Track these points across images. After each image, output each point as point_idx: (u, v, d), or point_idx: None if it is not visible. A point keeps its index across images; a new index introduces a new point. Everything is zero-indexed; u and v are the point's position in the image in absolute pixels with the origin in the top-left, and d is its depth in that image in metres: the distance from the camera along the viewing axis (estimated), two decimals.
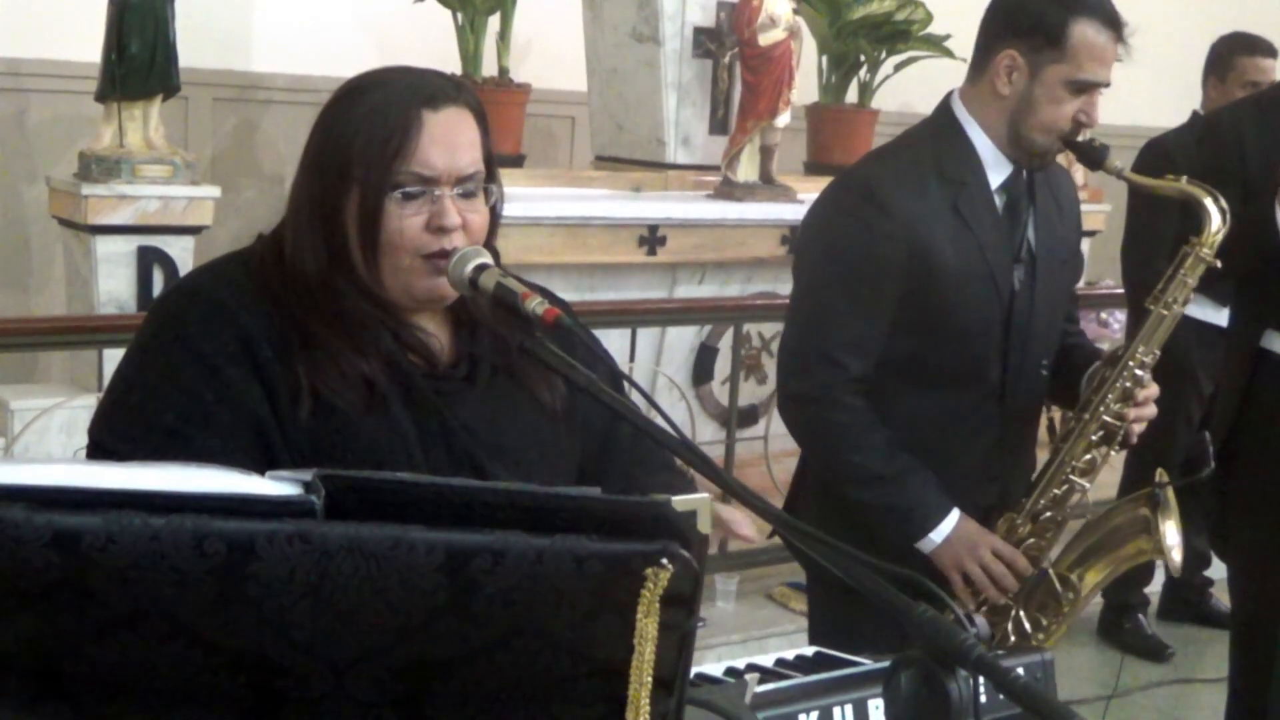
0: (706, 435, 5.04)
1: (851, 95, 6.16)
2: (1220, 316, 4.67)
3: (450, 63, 5.15)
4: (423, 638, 1.07)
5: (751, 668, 1.71)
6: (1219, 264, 2.55)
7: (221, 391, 1.66)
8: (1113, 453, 2.55)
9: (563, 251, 4.81)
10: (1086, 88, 2.44)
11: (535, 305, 1.61)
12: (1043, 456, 2.66)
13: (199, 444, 1.63)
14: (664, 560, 1.09)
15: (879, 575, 1.33)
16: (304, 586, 1.04)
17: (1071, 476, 2.55)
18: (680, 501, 1.21)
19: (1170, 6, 6.77)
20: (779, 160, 5.45)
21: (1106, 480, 3.16)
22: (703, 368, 5.32)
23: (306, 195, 1.76)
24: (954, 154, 2.51)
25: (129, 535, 1.00)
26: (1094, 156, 2.48)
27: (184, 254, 4.66)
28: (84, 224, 4.62)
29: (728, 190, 5.32)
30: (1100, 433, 2.53)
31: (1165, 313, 2.53)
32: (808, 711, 1.50)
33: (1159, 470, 2.63)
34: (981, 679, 1.32)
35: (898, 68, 6.14)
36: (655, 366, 5.03)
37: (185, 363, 1.67)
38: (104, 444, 1.69)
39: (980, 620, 1.35)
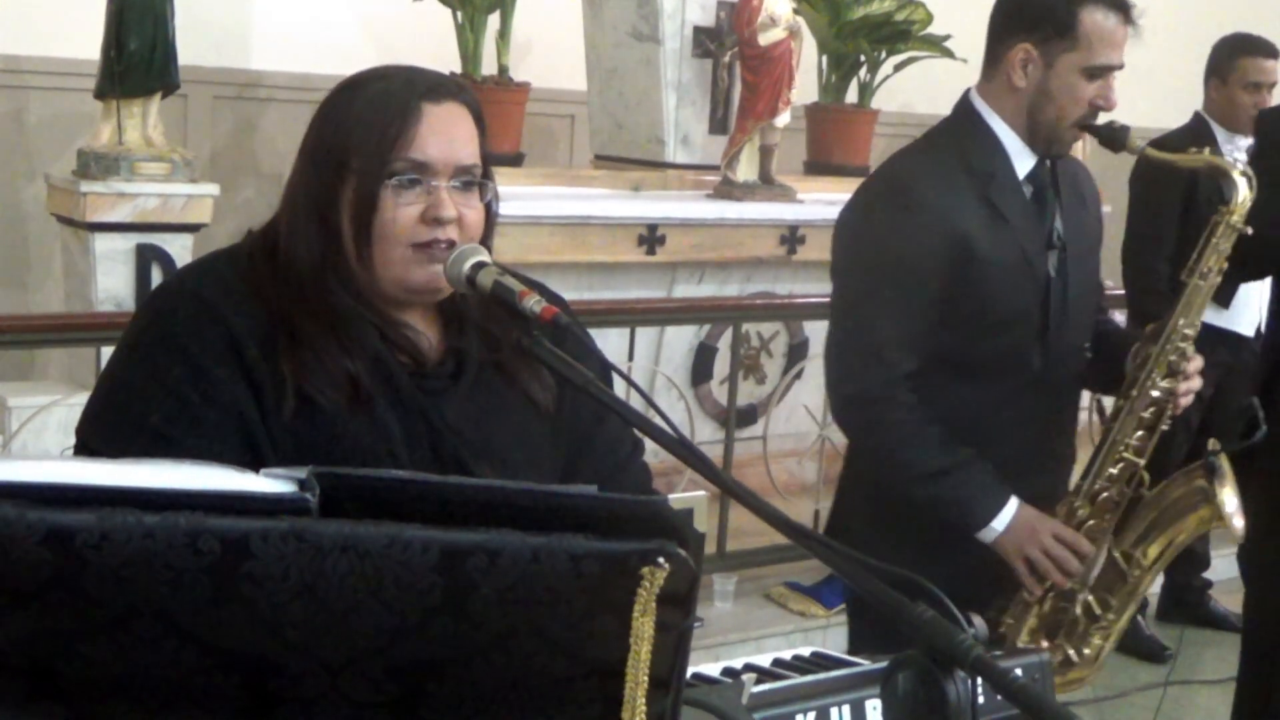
0: (705, 435, 5.04)
1: (851, 95, 6.16)
2: (1220, 318, 4.67)
3: (450, 61, 5.14)
4: (418, 637, 1.07)
5: (749, 668, 1.70)
6: (1249, 230, 2.56)
7: (208, 391, 1.65)
8: (1163, 428, 2.56)
9: (562, 250, 4.80)
10: (1101, 72, 2.48)
11: (533, 303, 1.60)
12: (1087, 450, 2.67)
13: (185, 445, 1.62)
14: (660, 559, 1.09)
15: (878, 576, 1.33)
16: (299, 585, 1.03)
17: (1125, 455, 2.55)
18: (677, 500, 1.20)
19: (1170, 6, 6.78)
20: (778, 160, 5.45)
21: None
22: (701, 367, 5.32)
23: (302, 187, 1.75)
24: (979, 147, 2.55)
25: (123, 533, 0.99)
26: (1116, 138, 2.52)
27: (183, 252, 4.65)
28: (82, 221, 4.61)
29: (727, 190, 5.31)
30: (1150, 409, 2.53)
31: (1201, 283, 2.54)
32: (805, 712, 1.50)
33: (1210, 440, 2.64)
34: (979, 680, 1.31)
35: (898, 68, 6.14)
36: (654, 366, 5.02)
37: (172, 362, 1.66)
38: (90, 444, 1.68)
39: (978, 621, 1.35)
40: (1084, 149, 5.99)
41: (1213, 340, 4.66)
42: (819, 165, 6.10)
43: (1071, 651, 2.63)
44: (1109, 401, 2.75)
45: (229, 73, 5.74)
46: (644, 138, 5.57)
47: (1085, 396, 3.00)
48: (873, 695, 1.50)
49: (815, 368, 5.13)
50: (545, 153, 6.36)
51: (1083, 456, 2.72)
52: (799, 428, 5.19)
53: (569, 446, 1.88)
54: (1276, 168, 3.04)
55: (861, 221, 2.58)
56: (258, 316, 1.69)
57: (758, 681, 1.52)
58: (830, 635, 4.45)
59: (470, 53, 5.28)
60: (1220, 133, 4.75)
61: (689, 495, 1.34)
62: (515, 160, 5.38)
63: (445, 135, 1.72)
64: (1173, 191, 4.54)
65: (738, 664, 1.73)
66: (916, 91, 6.64)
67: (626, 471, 1.93)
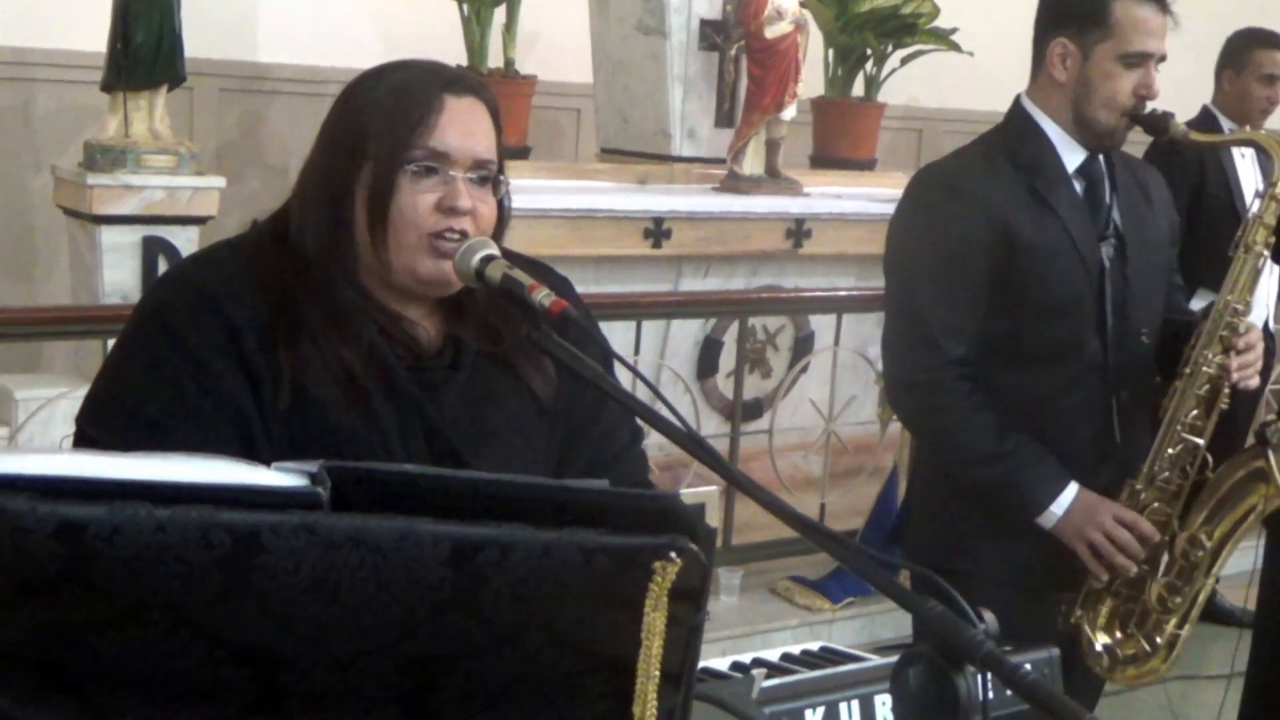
0: (711, 429, 5.03)
1: (858, 89, 6.15)
2: None
3: (456, 54, 5.14)
4: (428, 631, 1.07)
5: (758, 663, 1.70)
6: None
7: (206, 383, 1.65)
8: (1223, 406, 2.56)
9: (568, 244, 4.80)
10: (1138, 60, 2.52)
11: (542, 297, 1.60)
12: None
13: (180, 435, 1.61)
14: (672, 554, 1.09)
15: (889, 570, 1.32)
16: (309, 579, 1.03)
17: (1184, 435, 2.55)
18: (688, 495, 1.20)
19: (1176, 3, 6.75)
20: (785, 154, 5.44)
21: None
22: (707, 361, 5.31)
23: (319, 172, 1.75)
24: (1026, 143, 2.60)
25: (134, 526, 0.99)
26: (1158, 125, 2.56)
27: (189, 244, 4.66)
28: (89, 214, 4.62)
29: (733, 183, 5.31)
30: (1206, 386, 2.54)
31: (1247, 256, 2.56)
32: (814, 707, 1.50)
33: (1270, 420, 2.64)
34: (989, 675, 1.31)
35: (904, 61, 6.12)
36: (660, 359, 5.02)
37: (170, 353, 1.66)
38: (88, 433, 1.69)
39: (989, 617, 1.35)
40: None
41: None
42: (825, 159, 6.09)
43: (1144, 643, 2.62)
44: None
45: (235, 65, 5.74)
46: (650, 131, 5.56)
47: None
48: (882, 690, 1.50)
49: (821, 361, 5.13)
50: (551, 146, 6.36)
51: None
52: (805, 422, 5.18)
53: (564, 434, 1.87)
54: None
55: (907, 216, 2.64)
56: (258, 308, 1.69)
57: (767, 676, 1.51)
58: (836, 630, 4.45)
59: (477, 45, 5.28)
60: (1228, 126, 4.75)
61: (700, 490, 1.34)
62: (521, 153, 5.38)
63: (465, 127, 1.72)
64: (1181, 185, 4.53)
65: (746, 658, 1.73)
66: (923, 85, 6.64)
67: (623, 461, 1.93)
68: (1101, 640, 2.62)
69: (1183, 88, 5.43)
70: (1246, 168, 4.73)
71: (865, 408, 5.24)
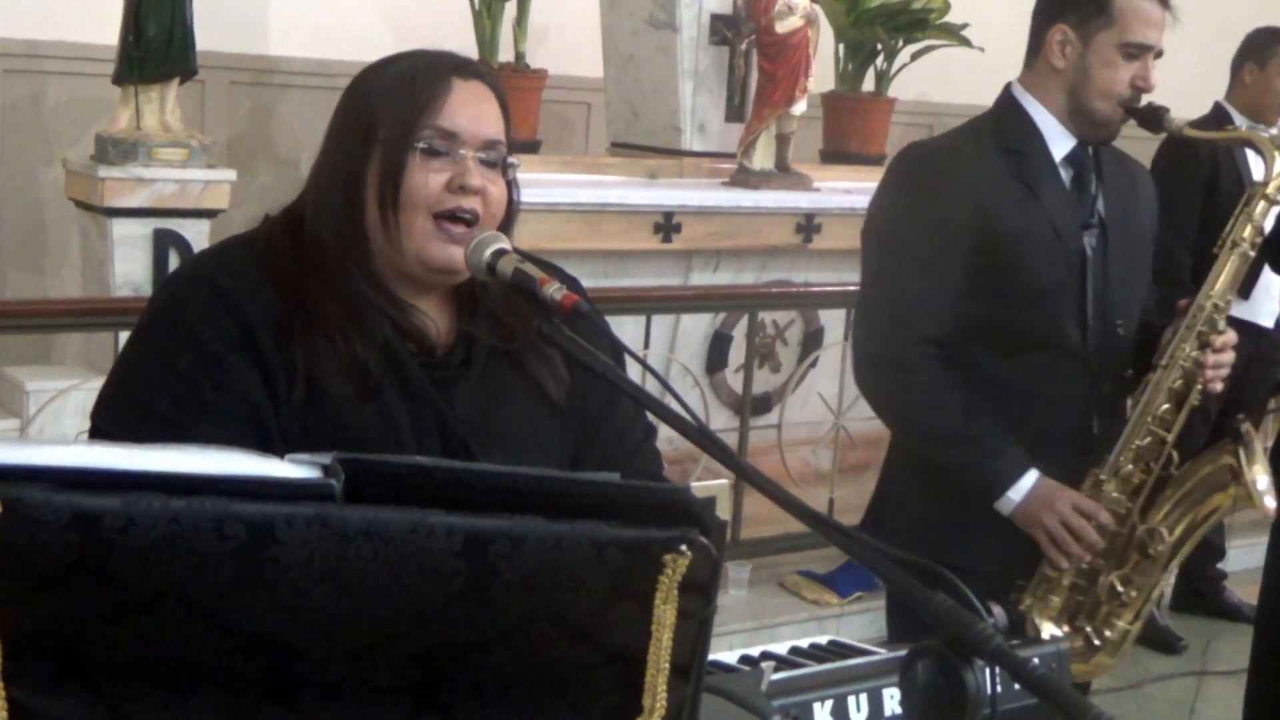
0: (720, 423, 5.04)
1: (868, 84, 6.15)
2: (1239, 309, 4.64)
3: (467, 48, 5.13)
4: (440, 623, 1.07)
5: (766, 656, 1.70)
6: None
7: (220, 378, 1.65)
8: (1194, 402, 2.54)
9: (578, 238, 4.80)
10: (1138, 51, 2.51)
11: (554, 291, 1.60)
12: None
13: (194, 431, 1.62)
14: (683, 547, 1.09)
15: (898, 565, 1.33)
16: (322, 570, 1.04)
17: (1153, 428, 2.54)
18: (698, 488, 1.20)
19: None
20: (795, 148, 5.44)
21: None
22: (717, 355, 5.32)
23: (330, 163, 1.76)
24: (1014, 129, 2.59)
25: (148, 517, 1.00)
26: (1154, 119, 2.54)
27: (200, 237, 4.67)
28: (100, 206, 4.63)
29: (743, 178, 5.31)
30: (1180, 381, 2.53)
31: (1232, 253, 2.54)
32: (823, 700, 1.50)
33: (1239, 416, 2.63)
34: (998, 669, 1.31)
35: (914, 56, 6.12)
36: (669, 354, 5.02)
37: (183, 349, 1.66)
38: (102, 428, 1.69)
39: (998, 610, 1.35)
40: None
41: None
42: (835, 154, 6.09)
43: (1093, 634, 2.61)
44: None
45: (246, 58, 5.75)
46: (660, 125, 5.56)
47: None
48: (891, 684, 1.50)
49: (830, 356, 5.13)
50: (562, 140, 6.36)
51: None
52: (814, 416, 5.19)
53: (579, 431, 1.87)
54: None
55: (888, 193, 2.62)
56: (271, 304, 1.69)
57: (776, 670, 1.52)
58: (844, 624, 4.46)
59: (487, 39, 5.28)
60: (1241, 122, 4.74)
61: (711, 483, 1.35)
62: (532, 147, 5.38)
63: (473, 109, 1.74)
64: (1194, 183, 4.53)
65: (755, 652, 1.73)
66: (933, 80, 6.62)
67: (637, 457, 1.93)
68: (1048, 630, 2.59)
69: (1193, 87, 5.44)
70: (1260, 164, 4.72)
71: None
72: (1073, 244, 2.54)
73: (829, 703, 1.50)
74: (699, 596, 1.11)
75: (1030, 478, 2.52)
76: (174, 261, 4.58)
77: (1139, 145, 3.06)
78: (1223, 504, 2.59)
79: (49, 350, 5.17)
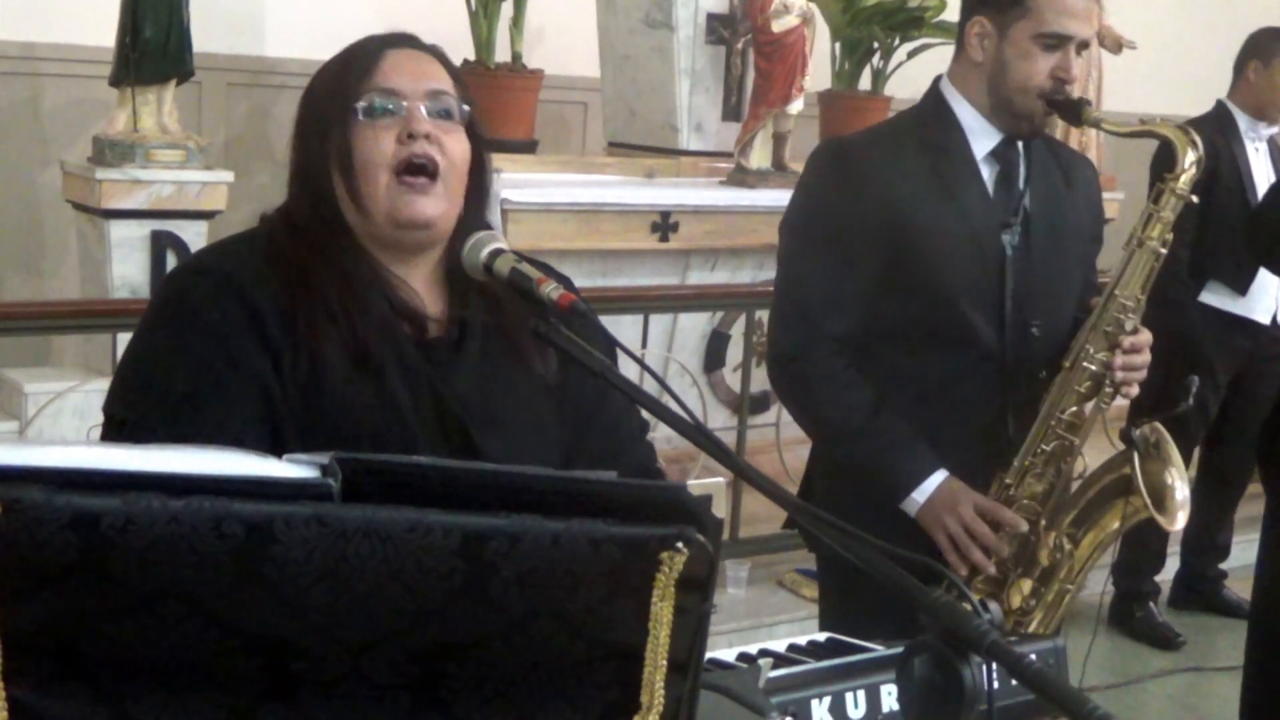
0: (718, 422, 5.04)
1: (864, 82, 6.14)
2: (1236, 305, 4.67)
3: (463, 48, 5.14)
4: (439, 620, 1.08)
5: (764, 653, 1.71)
6: (1194, 199, 2.51)
7: (232, 356, 1.67)
8: (1103, 405, 2.46)
9: (575, 237, 4.80)
10: (1056, 42, 2.44)
11: (550, 290, 1.61)
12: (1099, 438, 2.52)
13: (210, 409, 1.64)
14: (680, 544, 1.10)
15: (893, 561, 1.33)
16: (321, 569, 1.04)
17: (1059, 431, 2.46)
18: (696, 486, 1.21)
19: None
20: (792, 147, 5.44)
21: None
22: (714, 354, 5.32)
23: (298, 160, 1.82)
24: (935, 124, 2.54)
25: (148, 517, 1.00)
26: (1073, 110, 2.47)
27: (197, 238, 4.67)
28: (98, 208, 4.62)
29: (740, 177, 5.31)
30: (1087, 383, 2.45)
31: (1140, 251, 2.46)
32: (820, 697, 1.50)
33: (1138, 421, 2.50)
34: (995, 665, 1.32)
35: (911, 55, 6.12)
36: (667, 353, 5.03)
37: (194, 333, 1.68)
38: (117, 416, 1.71)
39: (995, 606, 1.35)
40: (1099, 138, 5.99)
41: (1230, 327, 4.67)
42: None
43: None
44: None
45: (243, 60, 5.75)
46: (657, 125, 5.57)
47: None
48: (888, 680, 1.51)
49: None
50: (559, 140, 6.36)
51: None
52: None
53: (574, 423, 1.89)
54: None
55: (802, 187, 2.58)
56: (277, 291, 1.72)
57: (774, 666, 1.52)
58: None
59: (484, 40, 5.28)
60: (1243, 120, 4.74)
61: (707, 481, 1.35)
62: (529, 147, 5.39)
63: (410, 66, 1.78)
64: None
65: (753, 649, 1.74)
66: (929, 79, 6.62)
67: (630, 451, 1.95)
68: None
69: (1199, 87, 5.45)
70: (1260, 161, 4.73)
71: None
72: (990, 243, 2.48)
73: (827, 699, 1.50)
74: (696, 593, 1.12)
75: (936, 478, 2.45)
76: (172, 263, 4.57)
77: (1139, 145, 3.06)
78: (1122, 515, 2.47)
79: (47, 352, 5.17)
